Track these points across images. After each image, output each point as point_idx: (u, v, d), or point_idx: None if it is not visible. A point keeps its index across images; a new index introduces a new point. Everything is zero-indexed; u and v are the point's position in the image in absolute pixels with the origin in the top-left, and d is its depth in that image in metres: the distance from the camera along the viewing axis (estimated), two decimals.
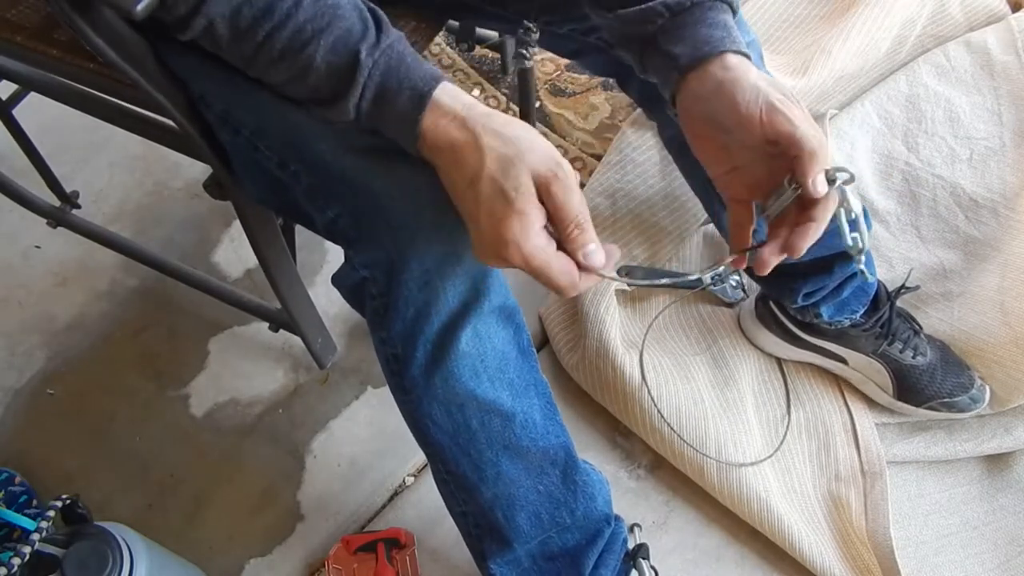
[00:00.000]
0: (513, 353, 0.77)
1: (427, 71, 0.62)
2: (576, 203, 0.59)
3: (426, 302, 0.70)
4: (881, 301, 1.09)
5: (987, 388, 1.12)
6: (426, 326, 0.72)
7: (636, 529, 1.10)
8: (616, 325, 1.16)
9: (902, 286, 1.11)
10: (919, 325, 1.15)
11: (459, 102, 0.61)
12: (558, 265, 0.59)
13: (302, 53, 0.61)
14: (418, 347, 0.73)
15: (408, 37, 0.97)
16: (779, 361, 1.21)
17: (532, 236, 0.58)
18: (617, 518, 0.94)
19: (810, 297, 1.05)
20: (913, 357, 1.11)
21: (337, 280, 0.76)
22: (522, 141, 0.59)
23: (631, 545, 0.97)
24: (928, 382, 1.11)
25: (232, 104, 0.71)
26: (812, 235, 0.65)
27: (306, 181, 0.70)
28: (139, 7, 0.59)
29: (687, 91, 0.66)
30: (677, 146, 1.00)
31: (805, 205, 0.65)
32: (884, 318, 1.09)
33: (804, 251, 0.66)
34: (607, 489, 0.92)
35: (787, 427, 1.15)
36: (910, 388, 1.12)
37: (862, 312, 1.09)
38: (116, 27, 0.65)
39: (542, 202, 0.59)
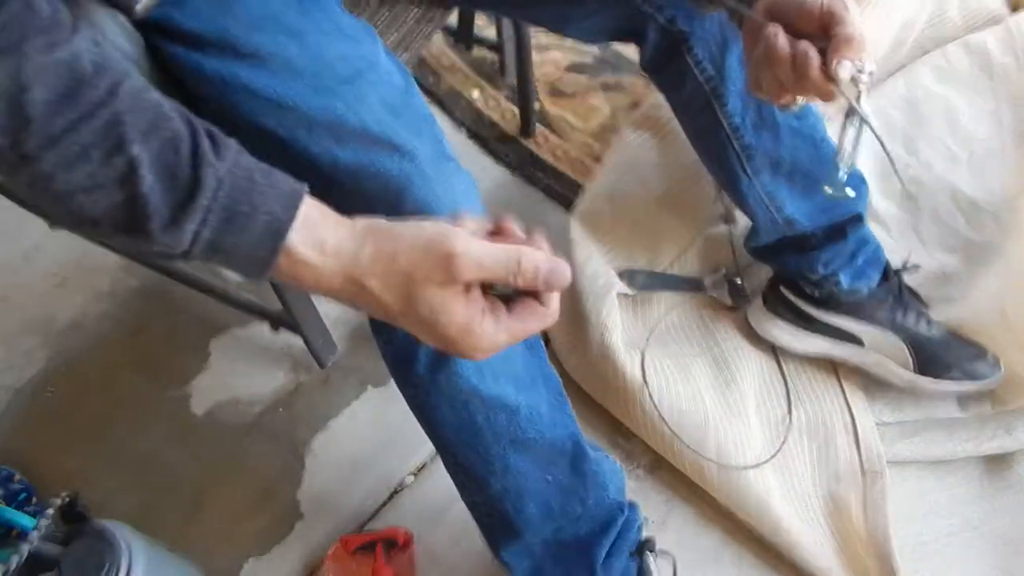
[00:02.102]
0: (519, 347, 0.78)
1: (285, 189, 0.52)
2: (491, 265, 0.52)
3: None
4: (891, 275, 1.12)
5: (999, 359, 1.12)
6: None
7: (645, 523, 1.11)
8: (618, 329, 1.16)
9: (905, 263, 1.13)
10: (926, 304, 1.16)
11: (322, 250, 0.52)
12: (525, 328, 0.55)
13: (119, 155, 0.48)
14: (420, 348, 0.73)
15: (414, 28, 0.98)
16: (779, 362, 1.21)
17: (481, 336, 0.53)
18: (631, 504, 0.95)
19: (829, 265, 1.07)
20: (928, 328, 1.12)
21: None
22: (410, 265, 0.52)
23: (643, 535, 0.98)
24: (946, 351, 1.12)
25: (223, 107, 0.71)
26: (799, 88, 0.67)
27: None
28: (139, 5, 0.59)
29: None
30: (695, 107, 0.97)
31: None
32: (895, 287, 1.11)
33: (777, 94, 0.69)
34: (620, 477, 0.93)
35: (788, 428, 1.15)
36: (930, 358, 1.12)
37: (877, 280, 1.10)
38: (114, 23, 0.65)
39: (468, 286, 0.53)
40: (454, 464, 0.85)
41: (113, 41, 0.67)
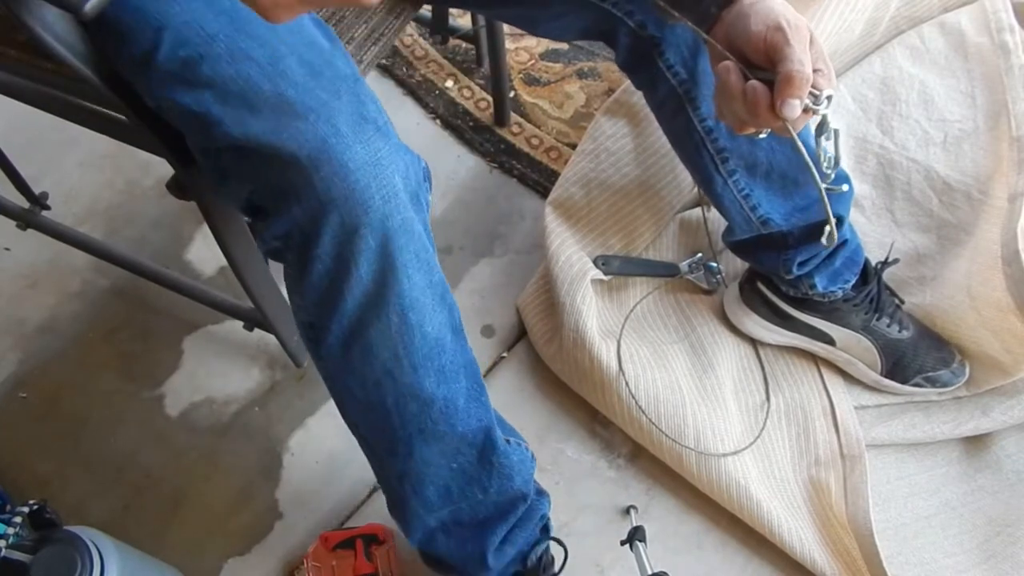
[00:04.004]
0: (448, 337, 0.76)
1: None
2: None
3: (338, 273, 0.69)
4: (870, 275, 1.11)
5: (967, 364, 1.13)
6: (340, 301, 0.70)
7: (632, 511, 1.11)
8: (593, 315, 1.15)
9: (886, 258, 1.12)
10: (901, 299, 1.15)
11: None
12: None
13: None
14: (333, 319, 0.71)
15: (383, 21, 0.96)
16: (756, 347, 1.20)
17: None
18: (540, 492, 0.94)
19: (805, 266, 1.05)
20: (899, 331, 1.12)
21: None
22: None
23: (632, 524, 1.00)
24: (912, 356, 1.12)
25: (159, 97, 0.70)
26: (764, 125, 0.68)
27: (224, 159, 0.69)
28: (87, 6, 0.58)
29: (719, 23, 0.70)
30: (669, 109, 0.96)
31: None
32: (873, 292, 1.11)
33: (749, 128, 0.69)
34: (528, 467, 0.91)
35: (767, 414, 1.15)
36: (896, 363, 1.12)
37: (853, 283, 1.10)
38: (65, 25, 0.64)
39: None
40: (359, 437, 0.84)
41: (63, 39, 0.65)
